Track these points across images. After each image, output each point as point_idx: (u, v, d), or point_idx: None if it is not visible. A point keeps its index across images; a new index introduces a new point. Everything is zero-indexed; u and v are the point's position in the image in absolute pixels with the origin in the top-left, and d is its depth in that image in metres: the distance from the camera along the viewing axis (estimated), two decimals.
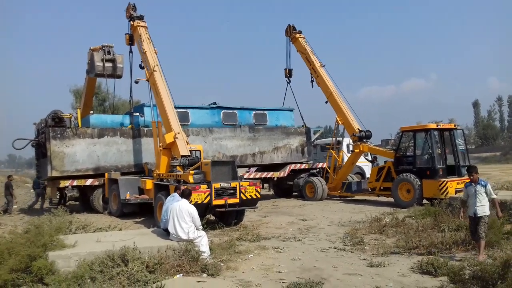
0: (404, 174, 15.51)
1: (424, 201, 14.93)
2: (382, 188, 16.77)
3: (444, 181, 14.37)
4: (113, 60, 17.45)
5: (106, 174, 15.91)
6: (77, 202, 18.67)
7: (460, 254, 7.88)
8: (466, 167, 15.41)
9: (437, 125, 16.02)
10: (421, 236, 9.14)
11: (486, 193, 7.62)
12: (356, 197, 18.43)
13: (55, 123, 15.53)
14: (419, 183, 14.86)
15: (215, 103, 18.97)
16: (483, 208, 7.57)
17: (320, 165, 20.70)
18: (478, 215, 7.53)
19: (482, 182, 7.71)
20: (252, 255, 8.52)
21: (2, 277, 6.18)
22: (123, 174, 15.93)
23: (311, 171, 20.05)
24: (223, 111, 18.92)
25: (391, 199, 16.14)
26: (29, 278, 6.29)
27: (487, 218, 7.59)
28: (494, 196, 7.74)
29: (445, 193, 13.97)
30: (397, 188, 15.56)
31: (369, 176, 19.44)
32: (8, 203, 17.87)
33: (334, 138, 20.46)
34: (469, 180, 7.95)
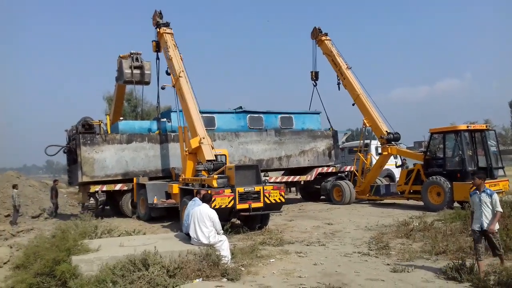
0: (434, 176, 15.11)
1: (455, 204, 14.51)
2: (411, 191, 16.38)
3: None
4: (141, 67, 17.82)
5: (134, 179, 16.21)
6: (107, 207, 19.12)
7: (489, 259, 7.58)
8: (498, 169, 15.07)
9: (468, 127, 15.52)
10: (449, 240, 8.91)
11: (491, 203, 6.62)
12: (385, 201, 18.07)
13: (85, 130, 15.96)
14: (450, 186, 14.44)
15: (241, 107, 19.05)
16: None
17: (347, 168, 20.44)
18: (486, 229, 6.63)
19: (488, 191, 6.72)
20: (273, 260, 8.48)
21: (28, 281, 6.40)
22: (151, 179, 16.18)
23: (338, 174, 19.82)
24: (249, 115, 18.96)
25: (421, 203, 15.76)
26: (53, 281, 6.49)
27: (497, 233, 6.78)
28: (499, 209, 6.62)
29: None
30: (427, 191, 15.17)
31: (398, 179, 19.04)
32: (55, 208, 18.44)
33: (361, 141, 20.16)
34: (472, 186, 6.92)
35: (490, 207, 6.60)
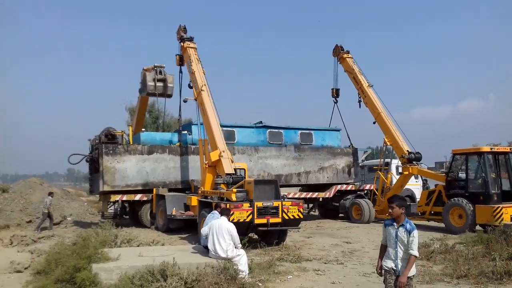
0: (456, 198, 14.84)
1: (477, 227, 14.20)
2: (432, 212, 16.11)
3: (498, 207, 13.62)
4: (164, 80, 18.12)
5: (154, 190, 16.36)
6: (127, 216, 19.33)
7: (511, 285, 7.40)
8: None
9: (491, 148, 15.27)
10: (471, 264, 8.69)
11: (407, 242, 4.97)
12: None
13: (108, 140, 16.26)
14: (472, 208, 14.16)
15: (261, 122, 19.14)
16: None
17: (367, 186, 20.24)
18: (399, 273, 5.03)
19: (408, 226, 5.01)
20: (291, 276, 8.42)
21: (48, 287, 6.48)
22: (170, 190, 16.30)
23: (358, 192, 19.64)
24: (269, 130, 19.03)
25: (442, 224, 15.46)
26: None
27: (412, 280, 5.12)
28: (414, 252, 4.97)
29: (500, 219, 13.22)
30: (448, 213, 14.89)
31: (419, 199, 18.75)
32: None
33: (382, 159, 19.98)
34: (389, 215, 5.22)
35: (405, 248, 5.00)
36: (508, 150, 15.50)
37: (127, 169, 16.21)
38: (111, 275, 6.96)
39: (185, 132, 17.76)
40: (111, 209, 17.35)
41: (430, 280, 8.01)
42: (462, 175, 15.93)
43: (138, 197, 16.49)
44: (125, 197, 16.31)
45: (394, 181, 19.24)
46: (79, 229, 15.81)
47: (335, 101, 21.66)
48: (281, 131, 19.34)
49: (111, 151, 16.00)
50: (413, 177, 19.56)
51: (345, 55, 20.41)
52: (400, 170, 19.29)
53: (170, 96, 18.56)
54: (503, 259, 8.65)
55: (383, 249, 5.37)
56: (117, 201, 16.42)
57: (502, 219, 13.24)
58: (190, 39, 16.71)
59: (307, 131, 20.06)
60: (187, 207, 15.03)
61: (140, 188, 16.48)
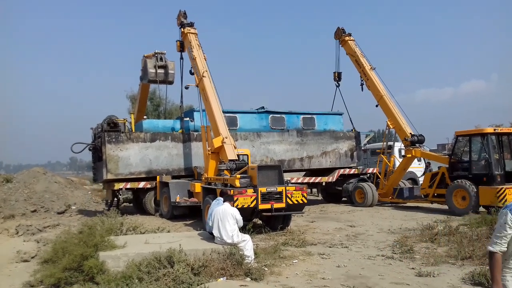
0: (459, 180, 14.85)
1: (481, 208, 14.24)
2: (435, 194, 16.13)
3: (502, 188, 13.63)
4: (165, 67, 18.01)
5: (157, 177, 16.40)
6: (131, 204, 19.41)
7: None
8: None
9: (495, 130, 15.21)
10: (475, 245, 8.73)
11: None
12: (408, 204, 17.85)
13: (110, 128, 16.23)
14: (475, 190, 14.17)
15: (263, 107, 19.08)
16: None
17: (370, 170, 20.24)
18: None
19: None
20: (296, 261, 8.47)
21: (56, 275, 6.55)
22: (173, 177, 16.34)
23: (361, 176, 19.65)
24: (271, 115, 18.97)
25: (445, 206, 15.50)
26: (81, 276, 6.62)
27: None
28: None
29: (504, 200, 13.25)
30: (452, 195, 14.92)
31: (422, 182, 18.78)
32: None
33: (385, 143, 19.97)
34: None
35: None
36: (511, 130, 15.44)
37: (130, 157, 16.22)
38: (118, 263, 7.01)
39: (187, 119, 17.72)
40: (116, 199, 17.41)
41: (435, 262, 8.06)
42: (466, 157, 15.88)
43: (141, 184, 16.53)
44: (129, 185, 16.35)
45: (397, 164, 19.26)
46: (84, 217, 15.90)
47: (337, 84, 21.57)
48: (283, 116, 19.27)
49: (113, 139, 16.00)
50: (416, 159, 19.55)
51: (347, 38, 20.25)
52: (403, 153, 19.29)
53: (171, 82, 18.46)
54: None
55: (500, 259, 3.56)
56: (121, 189, 16.48)
57: (506, 200, 13.26)
58: (191, 25, 16.55)
59: (309, 116, 19.99)
60: (191, 194, 15.10)
61: (143, 175, 16.51)
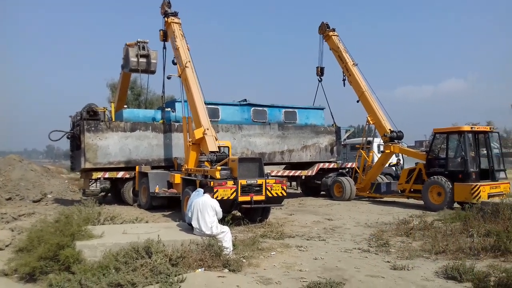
0: (435, 176, 15.16)
1: (455, 205, 14.57)
2: (412, 190, 16.43)
3: (476, 185, 13.97)
4: (147, 56, 17.78)
5: (137, 167, 16.27)
6: (109, 194, 19.21)
7: (488, 260, 7.64)
8: (500, 171, 15.12)
9: (471, 128, 15.56)
10: (449, 240, 8.95)
11: None
12: (385, 199, 18.15)
13: (90, 116, 15.97)
14: (451, 186, 14.50)
15: (245, 100, 19.06)
16: None
17: (349, 165, 20.48)
18: None
19: None
20: (274, 253, 8.55)
21: (31, 264, 6.46)
22: (153, 168, 16.23)
23: (340, 170, 19.87)
24: (253, 108, 18.98)
25: (421, 202, 15.83)
26: (57, 266, 6.54)
27: None
28: None
29: (477, 197, 13.58)
30: (428, 190, 15.23)
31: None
32: None
33: (364, 138, 20.20)
34: None
35: None
36: (488, 129, 15.81)
37: (109, 146, 16.03)
38: (95, 252, 6.95)
39: (169, 109, 17.57)
40: (92, 187, 17.23)
41: (410, 256, 8.23)
42: (443, 154, 16.21)
43: (120, 174, 16.37)
44: (107, 175, 16.18)
45: (376, 159, 19.52)
46: (60, 206, 15.66)
47: (319, 79, 21.68)
48: (265, 109, 19.30)
49: (93, 128, 15.77)
50: (394, 155, 19.86)
51: (330, 33, 20.33)
52: (381, 148, 19.56)
53: (153, 72, 18.25)
54: (480, 236, 8.93)
55: None
56: (99, 178, 16.29)
57: (480, 196, 13.60)
58: (175, 14, 16.36)
59: (291, 110, 20.06)
60: (170, 185, 15.03)
61: (122, 165, 16.34)
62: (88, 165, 15.73)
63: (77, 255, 6.68)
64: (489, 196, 13.54)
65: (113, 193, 18.33)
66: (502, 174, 15.21)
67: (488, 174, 14.94)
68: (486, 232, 9.02)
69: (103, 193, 19.43)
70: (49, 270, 6.53)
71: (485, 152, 15.39)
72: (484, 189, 13.92)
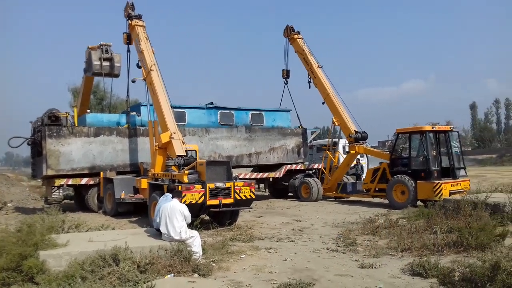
0: (399, 175, 15.55)
1: (419, 202, 14.98)
2: (377, 189, 16.80)
3: (438, 183, 14.42)
4: (110, 59, 17.42)
5: (101, 173, 15.92)
6: (72, 201, 18.71)
7: (452, 256, 7.90)
8: (460, 169, 15.67)
9: (433, 127, 16.07)
10: (414, 237, 9.18)
11: None
12: (351, 198, 18.47)
13: (51, 122, 15.53)
14: (414, 184, 14.90)
15: (212, 103, 18.99)
16: None
17: (316, 166, 20.73)
18: None
19: None
20: (244, 256, 8.55)
21: None
22: (118, 173, 15.93)
23: (307, 171, 20.10)
24: (220, 111, 18.94)
25: (386, 201, 16.19)
26: (20, 277, 6.30)
27: None
28: None
29: (439, 195, 14.01)
30: (392, 189, 15.60)
31: (364, 177, 19.48)
32: None
33: (330, 139, 20.51)
34: None
35: None
36: (448, 128, 16.37)
37: (73, 152, 15.62)
38: (60, 262, 6.74)
39: (134, 113, 17.29)
40: (55, 194, 16.73)
41: (377, 254, 8.40)
42: (406, 154, 16.64)
43: (84, 180, 15.98)
44: (70, 181, 15.75)
45: (341, 160, 19.84)
46: (22, 215, 15.13)
47: (285, 82, 21.87)
48: (232, 112, 19.30)
49: (55, 134, 15.33)
50: (359, 155, 20.25)
51: (295, 36, 20.55)
52: (347, 149, 19.91)
53: (117, 76, 17.89)
54: (443, 232, 9.22)
55: None
56: (62, 185, 15.83)
57: (442, 194, 14.03)
58: (139, 17, 16.12)
59: (258, 112, 20.14)
60: (136, 190, 14.78)
61: (86, 171, 15.95)
62: (50, 172, 15.27)
63: (41, 265, 6.46)
64: (450, 194, 13.98)
65: (77, 200, 17.85)
66: (462, 172, 15.75)
67: (449, 172, 15.45)
68: (448, 228, 9.32)
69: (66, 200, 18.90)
70: (12, 282, 6.28)
71: (446, 150, 15.90)
72: (446, 187, 14.39)
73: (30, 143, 16.82)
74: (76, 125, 16.22)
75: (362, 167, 21.34)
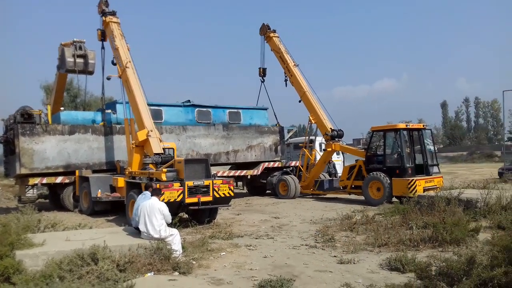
0: (374, 172, 15.82)
1: (394, 199, 15.28)
2: (353, 186, 17.04)
3: (412, 179, 14.74)
4: (84, 56, 17.09)
5: (77, 171, 15.65)
6: (47, 200, 18.32)
7: (428, 250, 8.11)
8: (434, 166, 16.06)
9: (407, 125, 16.40)
10: (390, 233, 9.36)
11: None
12: (328, 195, 18.69)
13: (24, 119, 15.18)
14: (389, 181, 15.18)
15: (189, 101, 18.90)
16: None
17: (293, 163, 20.88)
18: None
19: None
20: (224, 253, 8.56)
21: None
22: (94, 171, 15.70)
23: (284, 169, 20.22)
24: (197, 109, 18.87)
25: (362, 197, 16.45)
26: None
27: None
28: None
29: (414, 191, 14.33)
30: (368, 186, 15.86)
31: (340, 174, 19.72)
32: None
33: (307, 137, 20.69)
34: None
35: None
36: (422, 126, 16.74)
37: (47, 150, 15.30)
38: (36, 262, 6.61)
39: (109, 111, 17.05)
40: (29, 193, 16.36)
41: (355, 249, 8.54)
42: (381, 151, 16.92)
43: (59, 179, 15.68)
44: (45, 180, 15.43)
45: (318, 157, 20.05)
46: None
47: (262, 80, 21.93)
48: (210, 110, 19.25)
49: (28, 132, 14.98)
50: (335, 153, 20.50)
51: (271, 34, 20.62)
52: (323, 147, 20.13)
53: (91, 73, 17.56)
54: (419, 228, 9.45)
55: None
56: (36, 184, 15.49)
57: (416, 190, 14.35)
58: (113, 13, 15.90)
59: (235, 110, 20.16)
60: (113, 189, 14.61)
61: (61, 170, 15.66)
62: (24, 171, 14.93)
63: (17, 265, 6.31)
64: (424, 190, 14.31)
65: (52, 199, 17.50)
66: (435, 169, 16.14)
67: (422, 169, 15.80)
68: (424, 224, 9.56)
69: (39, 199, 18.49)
70: None
71: (420, 148, 16.26)
72: (420, 183, 14.72)
73: (2, 141, 16.38)
74: (50, 122, 15.89)
75: (334, 165, 21.62)
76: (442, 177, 16.06)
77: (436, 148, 18.71)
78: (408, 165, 15.26)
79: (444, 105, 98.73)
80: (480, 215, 10.49)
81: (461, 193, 11.04)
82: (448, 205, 10.15)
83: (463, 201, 10.81)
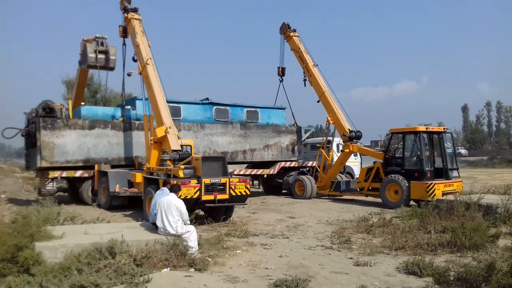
0: (392, 175, 15.63)
1: (411, 202, 15.09)
2: (370, 188, 16.89)
3: (431, 183, 14.53)
4: (106, 52, 17.32)
5: (96, 166, 15.85)
6: (66, 193, 18.61)
7: (446, 255, 7.98)
8: (453, 170, 15.80)
9: (427, 128, 16.18)
10: (407, 237, 9.25)
11: None
12: (345, 197, 18.56)
13: (46, 113, 15.45)
14: (407, 184, 14.99)
15: (207, 98, 18.97)
16: None
17: (310, 163, 20.79)
18: None
19: None
20: (240, 251, 8.57)
21: None
22: (113, 166, 15.88)
23: (300, 169, 20.15)
24: (215, 107, 18.93)
25: (379, 200, 16.28)
26: (15, 268, 6.28)
27: None
28: None
29: (432, 195, 14.12)
30: (385, 189, 15.69)
31: (357, 176, 19.58)
32: None
33: (324, 138, 20.57)
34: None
35: None
36: (442, 130, 16.48)
37: (67, 144, 15.54)
38: (55, 254, 6.73)
39: (129, 107, 17.22)
40: (49, 186, 16.64)
41: (371, 252, 8.45)
42: (399, 154, 16.73)
43: (78, 173, 15.92)
44: (64, 174, 15.68)
45: (335, 158, 19.92)
46: (16, 206, 15.04)
47: (281, 79, 21.89)
48: (228, 108, 19.30)
49: (49, 125, 15.24)
50: (352, 154, 20.34)
51: (291, 34, 20.56)
52: (341, 148, 19.99)
53: (112, 69, 17.77)
54: (437, 232, 9.31)
55: None
56: (56, 177, 15.75)
57: (435, 194, 14.14)
58: (135, 10, 16.04)
59: (253, 109, 20.17)
60: (131, 184, 14.75)
61: (81, 164, 15.89)
62: (44, 164, 15.19)
63: (36, 256, 6.44)
64: (443, 194, 14.09)
65: (71, 193, 17.77)
66: (455, 173, 15.87)
67: (442, 173, 15.57)
68: (442, 228, 9.41)
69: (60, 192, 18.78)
70: (7, 273, 6.26)
71: (439, 151, 16.02)
72: (439, 187, 14.50)
73: (24, 134, 16.70)
74: (71, 117, 16.14)
75: (344, 167, 21.42)
76: (461, 181, 15.80)
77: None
78: (427, 169, 15.05)
79: (465, 109, 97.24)
80: (500, 221, 10.29)
81: (481, 198, 10.83)
82: (467, 210, 9.97)
83: (483, 206, 10.60)
